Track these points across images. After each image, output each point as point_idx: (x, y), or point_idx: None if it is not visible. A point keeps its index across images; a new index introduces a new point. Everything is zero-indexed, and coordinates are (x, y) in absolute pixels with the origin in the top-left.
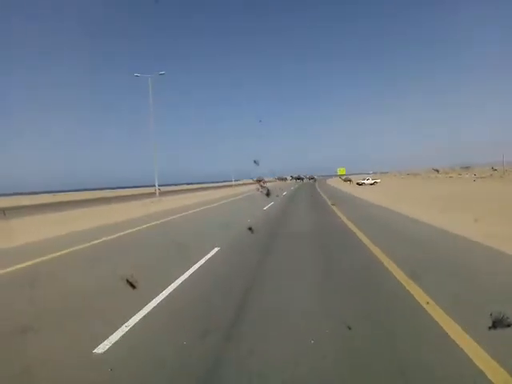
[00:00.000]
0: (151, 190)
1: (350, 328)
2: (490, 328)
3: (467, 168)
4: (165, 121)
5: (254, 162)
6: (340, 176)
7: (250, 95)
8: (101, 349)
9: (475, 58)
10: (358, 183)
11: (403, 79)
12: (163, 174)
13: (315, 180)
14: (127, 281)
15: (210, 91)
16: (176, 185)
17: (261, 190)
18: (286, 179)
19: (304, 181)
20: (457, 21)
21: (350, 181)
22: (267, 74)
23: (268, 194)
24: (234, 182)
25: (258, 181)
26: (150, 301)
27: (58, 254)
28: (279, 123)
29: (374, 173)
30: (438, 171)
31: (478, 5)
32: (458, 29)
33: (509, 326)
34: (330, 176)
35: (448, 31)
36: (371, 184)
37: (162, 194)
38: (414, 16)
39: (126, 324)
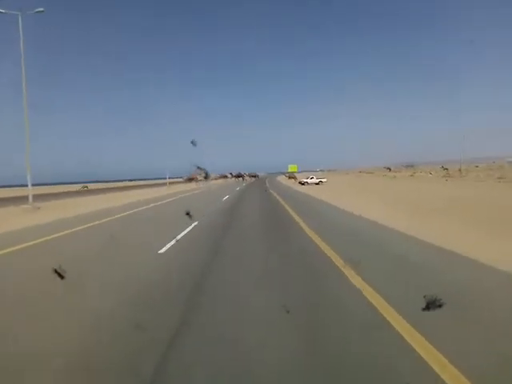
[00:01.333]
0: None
1: None
2: (423, 309)
3: (411, 167)
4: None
5: (192, 142)
6: (285, 173)
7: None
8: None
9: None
10: (300, 182)
11: (354, 82)
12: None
13: (257, 178)
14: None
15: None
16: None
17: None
18: (226, 177)
19: (245, 179)
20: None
21: (294, 178)
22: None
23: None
24: (168, 180)
25: (190, 179)
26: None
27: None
28: (227, 117)
29: (321, 170)
30: (389, 169)
31: None
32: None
33: (440, 306)
34: (283, 173)
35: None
36: (316, 184)
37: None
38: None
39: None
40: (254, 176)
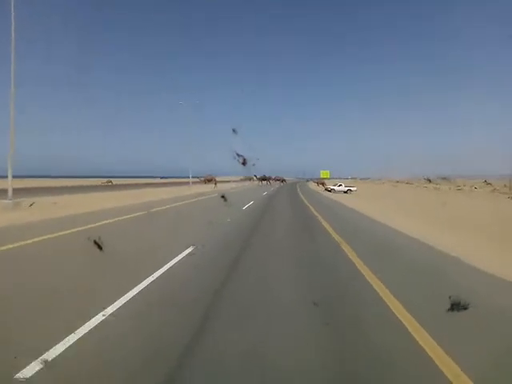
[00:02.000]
0: None
1: None
2: (448, 310)
3: (445, 179)
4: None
5: (233, 130)
6: (314, 180)
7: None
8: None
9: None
10: (326, 189)
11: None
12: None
13: (285, 182)
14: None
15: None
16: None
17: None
18: (251, 179)
19: (270, 183)
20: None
21: (323, 184)
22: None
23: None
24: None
25: (208, 180)
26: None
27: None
28: (265, 121)
29: (352, 178)
30: (430, 181)
31: None
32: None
33: (465, 309)
34: (313, 179)
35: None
36: (344, 192)
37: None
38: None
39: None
40: (281, 180)
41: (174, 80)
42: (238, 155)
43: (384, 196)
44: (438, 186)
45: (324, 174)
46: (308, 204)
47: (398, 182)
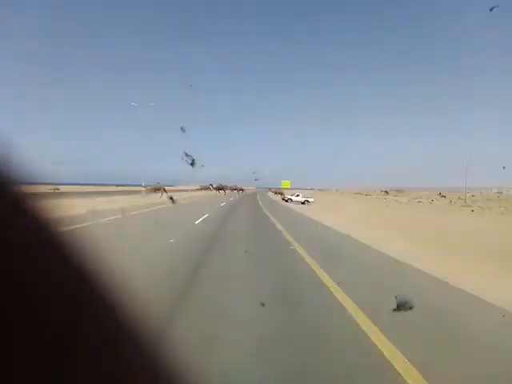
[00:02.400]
0: None
1: None
2: (394, 310)
3: (400, 191)
4: None
5: (181, 128)
6: (272, 190)
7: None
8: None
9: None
10: (283, 198)
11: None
12: None
13: (242, 192)
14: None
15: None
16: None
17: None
18: (208, 188)
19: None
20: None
21: (281, 193)
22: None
23: None
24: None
25: (157, 189)
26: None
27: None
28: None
29: (311, 189)
30: (387, 192)
31: None
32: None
33: (411, 308)
34: (272, 189)
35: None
36: (302, 203)
37: None
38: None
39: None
40: (238, 190)
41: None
42: (187, 155)
43: (341, 208)
44: (396, 198)
45: (285, 184)
46: (266, 211)
47: (356, 193)
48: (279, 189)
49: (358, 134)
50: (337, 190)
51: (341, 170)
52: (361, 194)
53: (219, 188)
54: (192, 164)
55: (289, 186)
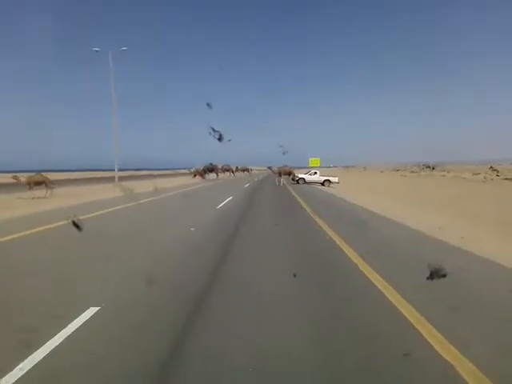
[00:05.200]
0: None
1: None
2: (427, 278)
3: (430, 167)
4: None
5: (207, 104)
6: (271, 168)
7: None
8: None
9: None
10: (292, 179)
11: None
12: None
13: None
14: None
15: None
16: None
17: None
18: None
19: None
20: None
21: (289, 173)
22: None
23: None
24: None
25: (201, 172)
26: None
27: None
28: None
29: (334, 166)
30: (433, 168)
31: None
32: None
33: (444, 276)
34: (302, 168)
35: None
36: (321, 183)
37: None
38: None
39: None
40: (230, 171)
41: None
42: (214, 130)
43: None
44: (450, 175)
45: (314, 161)
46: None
47: (398, 170)
48: (285, 167)
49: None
50: (364, 168)
51: (367, 145)
52: (399, 170)
53: (209, 169)
54: (220, 139)
55: (318, 164)
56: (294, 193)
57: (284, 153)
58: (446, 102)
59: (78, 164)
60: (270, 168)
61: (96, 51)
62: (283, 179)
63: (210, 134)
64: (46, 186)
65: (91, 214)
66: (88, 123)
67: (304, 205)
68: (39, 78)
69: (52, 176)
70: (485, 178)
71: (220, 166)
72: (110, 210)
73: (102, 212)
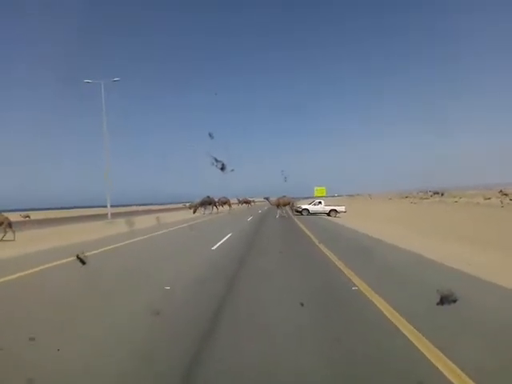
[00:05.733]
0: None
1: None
2: (437, 304)
3: (439, 194)
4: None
5: (209, 135)
6: (267, 199)
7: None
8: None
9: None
10: (296, 210)
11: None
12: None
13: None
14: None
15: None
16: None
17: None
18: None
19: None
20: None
21: (288, 203)
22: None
23: None
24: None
25: (194, 206)
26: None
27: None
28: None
29: (339, 195)
30: (442, 194)
31: None
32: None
33: (454, 301)
34: (307, 198)
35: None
36: (327, 214)
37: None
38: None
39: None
40: (246, 202)
41: None
42: (217, 160)
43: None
44: (460, 200)
45: (319, 191)
46: None
47: (407, 197)
48: (283, 197)
49: (383, 136)
50: (370, 196)
51: (369, 173)
52: (407, 197)
53: (208, 202)
54: (222, 169)
55: (324, 194)
56: (302, 226)
57: (285, 178)
58: (445, 127)
59: (75, 201)
60: (266, 199)
61: (87, 83)
62: (285, 210)
63: (213, 164)
64: (7, 227)
65: (33, 270)
66: (80, 157)
67: (322, 247)
68: (27, 112)
69: (39, 215)
70: (501, 202)
71: (217, 199)
72: (63, 261)
73: (55, 264)
